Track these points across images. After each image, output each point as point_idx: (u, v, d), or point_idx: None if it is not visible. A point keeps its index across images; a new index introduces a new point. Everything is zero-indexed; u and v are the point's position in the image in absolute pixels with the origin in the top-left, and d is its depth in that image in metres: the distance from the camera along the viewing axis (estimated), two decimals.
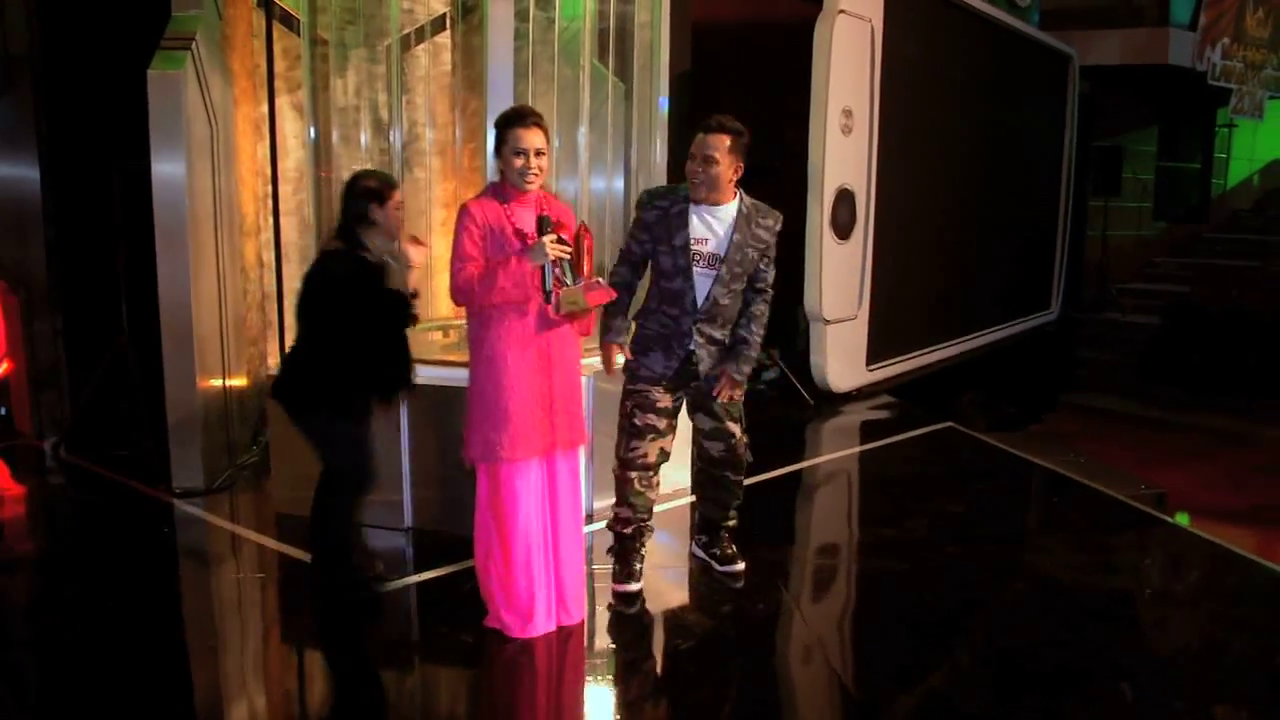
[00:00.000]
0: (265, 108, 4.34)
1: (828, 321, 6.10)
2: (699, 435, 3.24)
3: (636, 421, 3.12)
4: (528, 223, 2.76)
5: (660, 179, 4.44)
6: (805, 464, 5.15)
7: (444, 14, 4.78)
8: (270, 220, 4.59)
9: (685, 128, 5.69)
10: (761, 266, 3.04)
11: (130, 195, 4.51)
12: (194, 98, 4.20)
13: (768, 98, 5.94)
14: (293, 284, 4.05)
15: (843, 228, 6.08)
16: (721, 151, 2.91)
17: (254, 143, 4.73)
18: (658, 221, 2.99)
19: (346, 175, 3.35)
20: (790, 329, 6.25)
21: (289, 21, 4.50)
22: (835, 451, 5.53)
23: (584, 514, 3.18)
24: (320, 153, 4.45)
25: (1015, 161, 8.53)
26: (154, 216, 4.18)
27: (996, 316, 8.42)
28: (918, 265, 6.97)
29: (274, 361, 4.66)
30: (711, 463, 3.29)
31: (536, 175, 2.72)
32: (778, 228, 3.04)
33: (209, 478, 4.39)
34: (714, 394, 2.99)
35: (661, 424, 3.12)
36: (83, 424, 5.05)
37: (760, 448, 3.63)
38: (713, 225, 2.98)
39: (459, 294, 2.75)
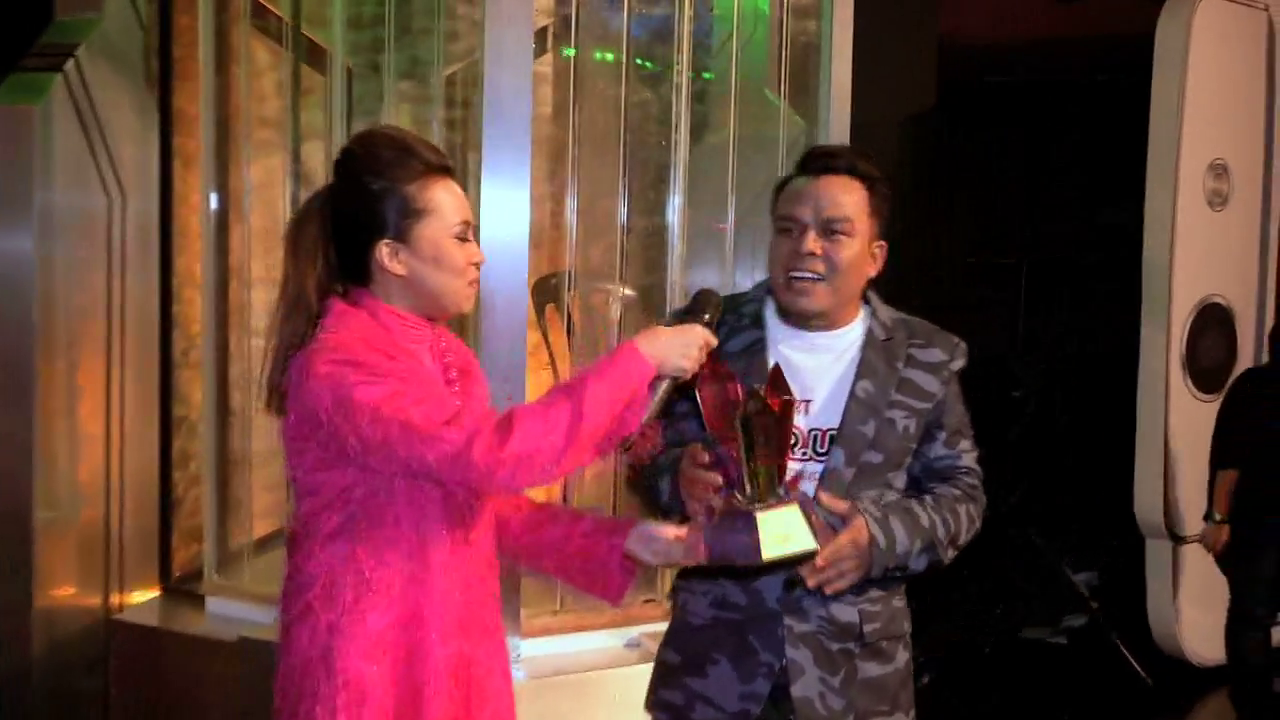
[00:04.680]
0: (244, 166, 3.54)
1: (1181, 539, 4.59)
2: None
3: None
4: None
5: None
6: None
7: (543, 27, 3.89)
8: (246, 342, 3.66)
9: (917, 198, 4.82)
10: (944, 450, 2.01)
11: None
12: (70, 145, 3.38)
13: (1068, 153, 5.03)
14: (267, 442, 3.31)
15: (1210, 373, 4.73)
16: (859, 211, 1.92)
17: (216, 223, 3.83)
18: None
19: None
20: (1109, 548, 5.19)
21: (286, 39, 3.61)
22: None
23: None
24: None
25: None
26: None
27: None
28: None
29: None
30: None
31: (477, 283, 1.86)
32: (956, 365, 2.04)
33: None
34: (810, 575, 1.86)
35: None
36: None
37: None
38: (817, 367, 2.00)
39: (534, 459, 1.63)
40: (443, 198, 1.73)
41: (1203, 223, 4.64)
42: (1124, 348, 4.73)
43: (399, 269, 1.72)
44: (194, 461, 3.67)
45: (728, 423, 1.70)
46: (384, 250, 1.71)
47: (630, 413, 1.65)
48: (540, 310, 3.29)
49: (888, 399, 1.96)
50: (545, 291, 3.33)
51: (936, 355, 2.00)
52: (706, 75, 3.56)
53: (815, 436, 1.96)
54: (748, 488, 1.71)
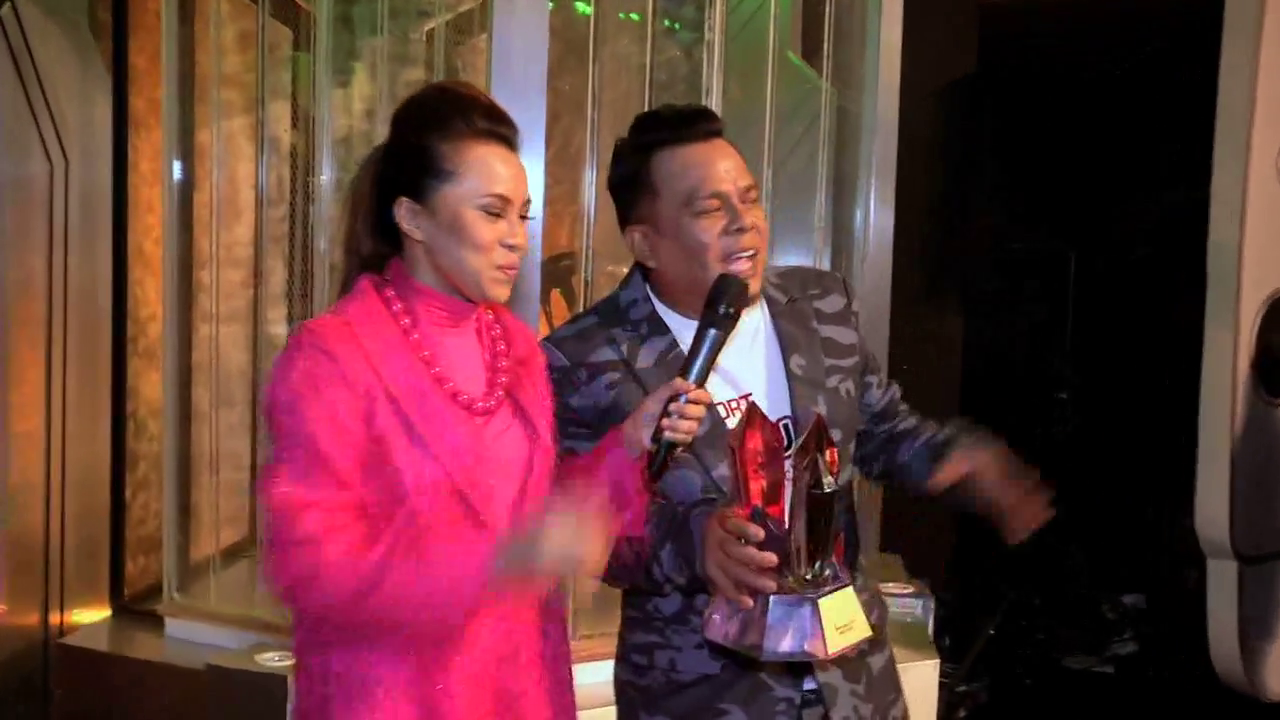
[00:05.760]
0: (213, 129, 3.35)
1: (1251, 559, 4.33)
2: None
3: None
4: (474, 375, 1.71)
5: (879, 264, 3.36)
6: None
7: None
8: (210, 328, 3.53)
9: (952, 178, 4.87)
10: (879, 393, 2.08)
11: None
12: (6, 103, 3.24)
13: (1123, 131, 4.82)
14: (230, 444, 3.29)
15: None
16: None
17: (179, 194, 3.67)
18: (621, 396, 1.91)
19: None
20: (1161, 567, 4.93)
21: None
22: None
23: None
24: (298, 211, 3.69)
25: None
26: None
27: None
28: None
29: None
30: None
31: (514, 270, 1.72)
32: (856, 305, 2.09)
33: None
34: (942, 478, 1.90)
35: None
36: None
37: None
38: (738, 355, 1.92)
39: (309, 590, 1.53)
40: (480, 164, 1.67)
41: (1276, 205, 4.37)
42: (1184, 345, 4.48)
43: (417, 234, 1.68)
44: (143, 463, 3.49)
45: (776, 492, 1.62)
46: (402, 208, 1.68)
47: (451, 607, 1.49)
48: (544, 295, 3.13)
49: (823, 367, 1.97)
50: (552, 274, 3.23)
51: (838, 302, 2.02)
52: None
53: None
54: (805, 570, 1.60)
